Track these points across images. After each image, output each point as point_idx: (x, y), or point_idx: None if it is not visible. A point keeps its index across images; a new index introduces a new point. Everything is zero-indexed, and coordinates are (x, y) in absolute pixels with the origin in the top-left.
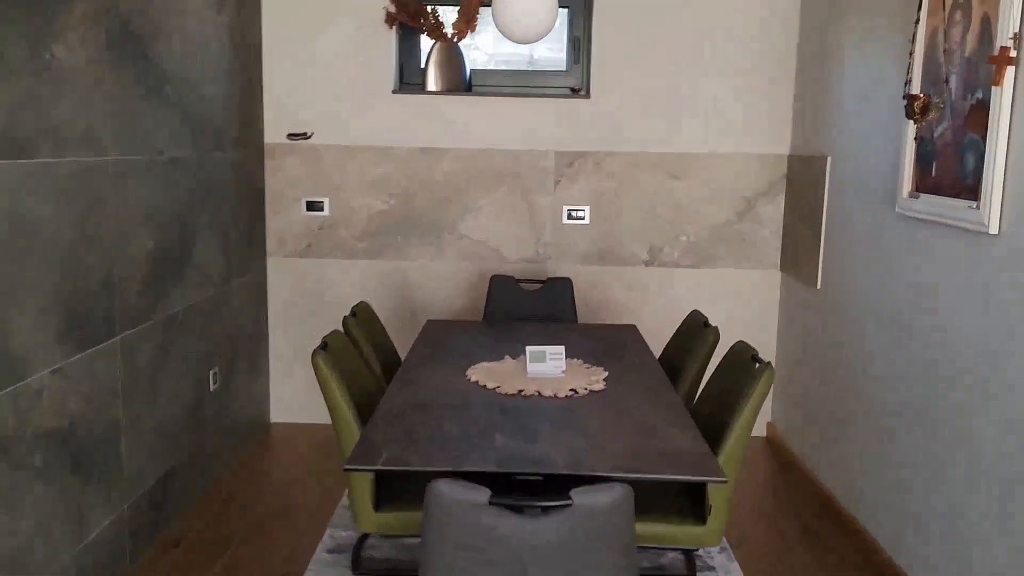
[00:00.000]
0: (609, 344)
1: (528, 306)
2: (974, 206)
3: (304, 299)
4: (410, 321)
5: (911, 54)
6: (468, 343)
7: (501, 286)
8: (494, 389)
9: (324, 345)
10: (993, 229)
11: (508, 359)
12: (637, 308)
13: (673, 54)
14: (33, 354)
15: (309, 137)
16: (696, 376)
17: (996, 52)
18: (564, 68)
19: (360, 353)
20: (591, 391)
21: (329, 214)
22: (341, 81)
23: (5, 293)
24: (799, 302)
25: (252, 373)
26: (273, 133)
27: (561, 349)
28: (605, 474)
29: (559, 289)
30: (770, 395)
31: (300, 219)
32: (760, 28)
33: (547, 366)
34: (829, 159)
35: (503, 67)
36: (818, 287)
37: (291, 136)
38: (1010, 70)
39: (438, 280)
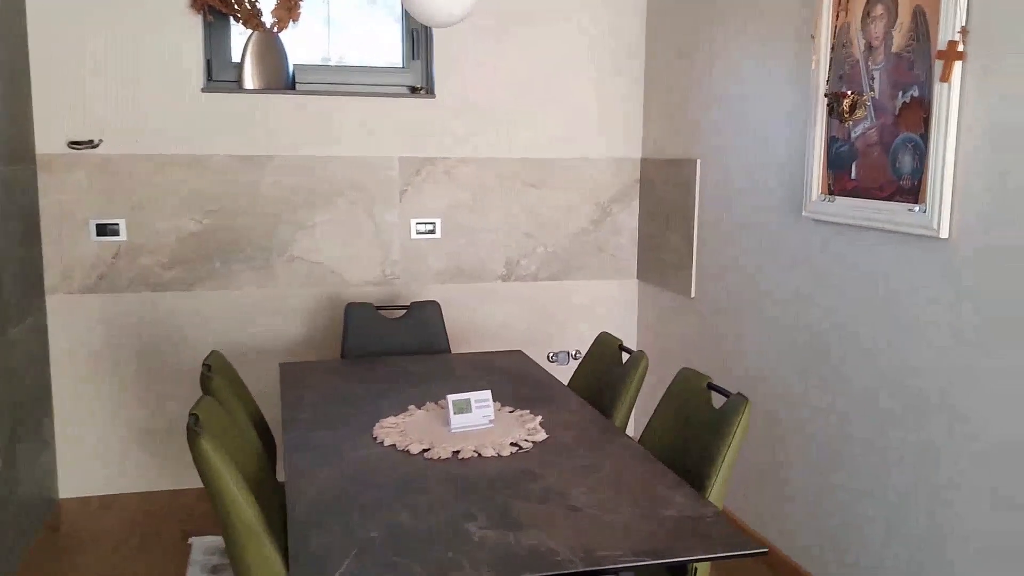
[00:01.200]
0: (510, 376)
1: (393, 337)
2: (917, 209)
3: (98, 345)
4: (248, 364)
5: (816, 51)
6: (345, 390)
7: (358, 315)
8: (422, 454)
9: (196, 419)
10: (944, 233)
11: (413, 409)
12: (497, 329)
13: (524, 50)
14: None
15: (97, 145)
16: (628, 410)
17: (939, 47)
18: (401, 65)
19: (233, 422)
20: (535, 442)
21: (127, 238)
22: (138, 77)
23: None
24: (665, 312)
25: (35, 443)
26: (49, 141)
27: (487, 395)
28: (632, 563)
29: (427, 314)
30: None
31: (90, 246)
32: (611, 22)
33: (474, 416)
34: (699, 162)
35: (332, 63)
36: (692, 295)
37: (73, 145)
38: (958, 65)
39: (270, 312)
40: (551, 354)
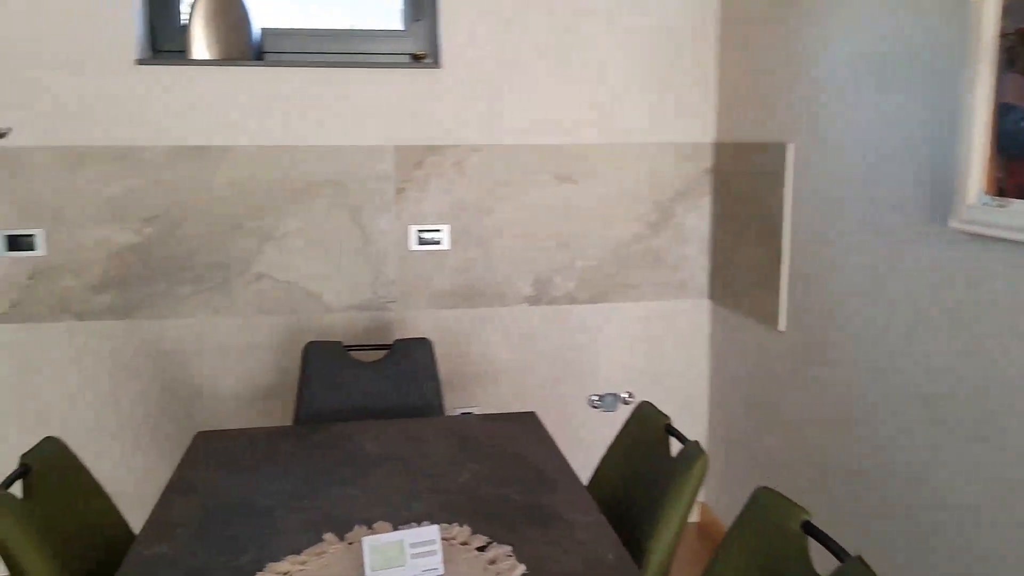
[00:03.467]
0: (503, 462)
1: (366, 389)
2: None
3: (5, 391)
4: (179, 423)
5: None
6: (253, 491)
7: (321, 358)
8: None
9: None
10: None
11: (330, 542)
12: (523, 367)
13: (556, 4)
14: None
15: (4, 135)
16: (672, 542)
17: None
18: (402, 27)
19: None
20: None
21: (46, 253)
22: (53, 46)
23: None
24: (747, 347)
25: None
26: None
27: (433, 532)
28: None
29: (413, 357)
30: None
31: None
32: None
33: (407, 571)
34: (791, 147)
35: (310, 26)
36: (781, 328)
37: None
38: None
39: (228, 345)
40: (594, 398)
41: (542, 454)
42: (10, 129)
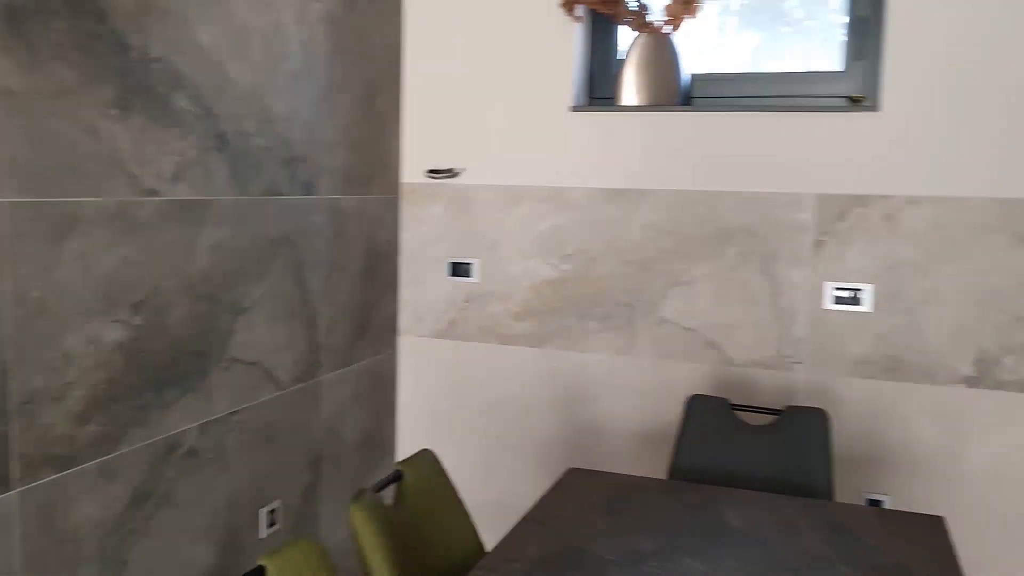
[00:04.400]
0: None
1: (748, 454)
2: None
3: (440, 399)
4: (557, 454)
5: None
6: (611, 533)
7: (704, 413)
8: None
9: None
10: None
11: None
12: (950, 462)
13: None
14: None
15: (456, 175)
16: None
17: None
18: (840, 68)
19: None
20: None
21: (479, 281)
22: (501, 95)
23: None
24: None
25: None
26: (413, 169)
27: None
28: None
29: (804, 428)
30: None
31: (443, 287)
32: None
33: None
34: None
35: (740, 70)
36: None
37: (432, 173)
38: None
39: (624, 385)
40: None
41: (935, 567)
42: (463, 169)
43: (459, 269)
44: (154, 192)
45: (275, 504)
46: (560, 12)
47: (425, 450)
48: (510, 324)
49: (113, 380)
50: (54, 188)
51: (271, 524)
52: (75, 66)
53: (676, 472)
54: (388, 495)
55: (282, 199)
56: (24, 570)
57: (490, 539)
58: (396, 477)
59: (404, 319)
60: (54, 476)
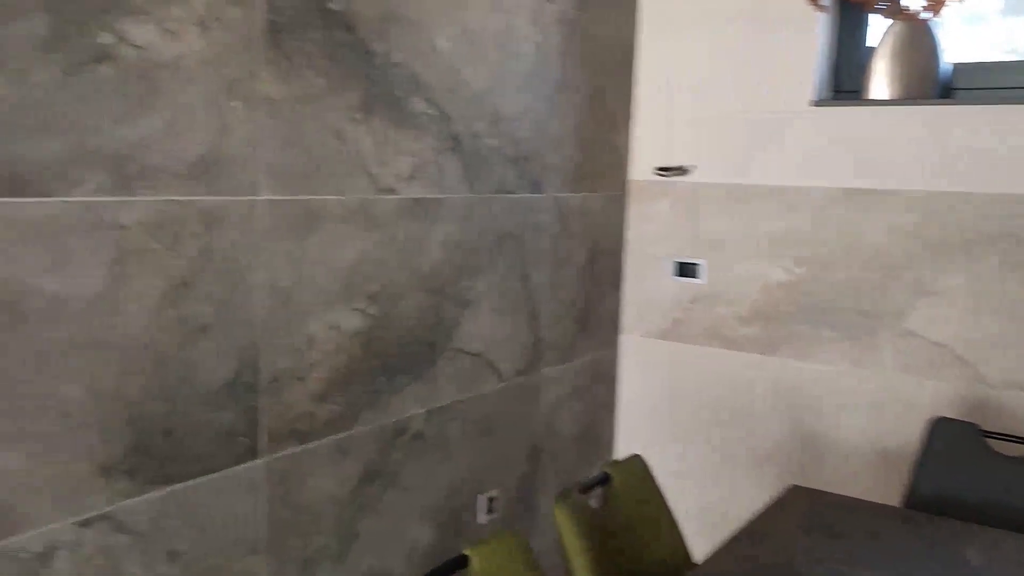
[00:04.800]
0: None
1: (998, 488)
2: None
3: (661, 401)
4: (779, 467)
5: None
6: (826, 562)
7: (950, 438)
8: None
9: None
10: None
11: None
12: None
13: None
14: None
15: (686, 172)
16: None
17: None
18: None
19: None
20: None
21: (706, 282)
22: (737, 91)
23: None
24: None
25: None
26: (641, 167)
27: None
28: None
29: None
30: None
31: (668, 287)
32: None
33: None
34: None
35: (1008, 58)
36: None
37: (660, 171)
38: None
39: (858, 400)
40: None
41: None
42: (693, 167)
43: (685, 269)
44: (391, 190)
45: (494, 492)
46: (802, 1)
47: (635, 455)
48: (736, 328)
49: (350, 364)
50: (303, 187)
51: (489, 511)
52: (325, 74)
53: (912, 501)
54: (596, 497)
55: (510, 197)
56: (268, 532)
57: (699, 549)
58: (603, 479)
59: (627, 317)
60: (295, 449)
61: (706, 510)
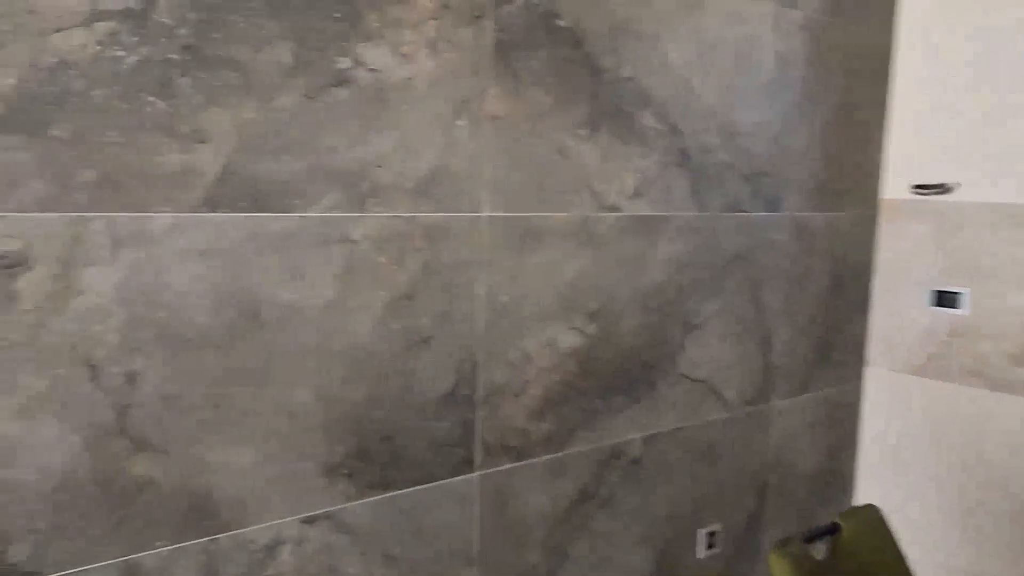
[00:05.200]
0: None
1: None
2: None
3: (913, 444)
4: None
5: None
6: None
7: None
8: None
9: None
10: None
11: None
12: None
13: None
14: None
15: (947, 191)
16: None
17: None
18: None
19: None
20: None
21: (968, 313)
22: (1011, 101)
23: None
24: None
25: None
26: (896, 184)
27: None
28: None
29: None
30: None
31: (922, 316)
32: None
33: None
34: None
35: None
36: None
37: (919, 189)
38: None
39: None
40: None
41: None
42: (957, 185)
43: (944, 298)
44: (615, 208)
45: (715, 527)
46: None
47: (870, 505)
48: (1005, 367)
49: (566, 383)
50: (526, 203)
51: (709, 546)
52: (551, 90)
53: None
54: (821, 549)
55: (742, 215)
56: (481, 545)
57: None
58: (832, 529)
59: (873, 349)
60: (509, 465)
61: (954, 572)
